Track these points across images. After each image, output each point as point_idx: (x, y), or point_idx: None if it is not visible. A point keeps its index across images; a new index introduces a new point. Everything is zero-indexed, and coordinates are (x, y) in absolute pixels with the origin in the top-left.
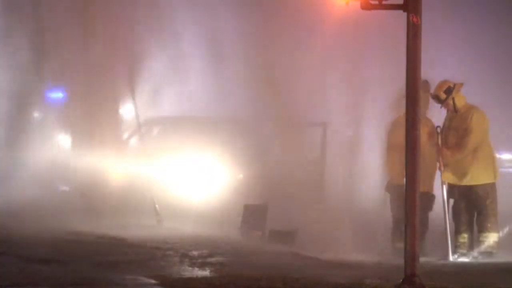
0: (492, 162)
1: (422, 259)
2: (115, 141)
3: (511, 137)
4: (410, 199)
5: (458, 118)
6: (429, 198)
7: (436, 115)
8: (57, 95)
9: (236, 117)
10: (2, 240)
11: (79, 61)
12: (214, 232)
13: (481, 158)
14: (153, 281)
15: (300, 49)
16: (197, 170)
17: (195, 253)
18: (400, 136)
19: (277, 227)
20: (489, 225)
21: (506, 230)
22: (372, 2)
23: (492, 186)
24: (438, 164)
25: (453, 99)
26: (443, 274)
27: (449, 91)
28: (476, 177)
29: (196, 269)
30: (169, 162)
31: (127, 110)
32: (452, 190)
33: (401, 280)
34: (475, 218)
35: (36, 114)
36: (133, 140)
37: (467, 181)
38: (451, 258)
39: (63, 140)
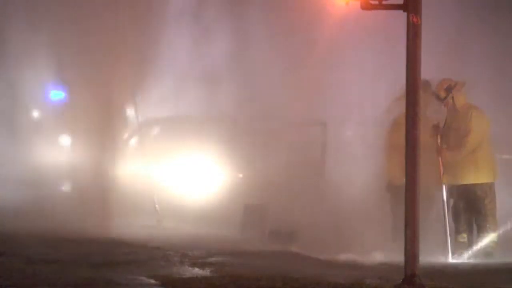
0: (492, 162)
1: (422, 259)
2: (115, 141)
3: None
4: (410, 199)
5: (457, 117)
6: (429, 197)
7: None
8: (59, 94)
9: (236, 116)
10: (2, 240)
11: (81, 61)
12: (214, 232)
13: (480, 157)
14: (153, 281)
15: (300, 48)
16: (197, 170)
17: (195, 253)
18: (400, 136)
19: (277, 227)
20: (488, 225)
21: (505, 230)
22: (372, 2)
23: (491, 186)
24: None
25: (452, 97)
26: (443, 274)
27: (449, 89)
28: (475, 176)
29: (196, 269)
30: (169, 162)
31: (127, 110)
32: (452, 190)
33: (401, 280)
34: (474, 218)
35: (37, 114)
36: (133, 140)
37: (466, 180)
38: (451, 258)
39: (63, 140)
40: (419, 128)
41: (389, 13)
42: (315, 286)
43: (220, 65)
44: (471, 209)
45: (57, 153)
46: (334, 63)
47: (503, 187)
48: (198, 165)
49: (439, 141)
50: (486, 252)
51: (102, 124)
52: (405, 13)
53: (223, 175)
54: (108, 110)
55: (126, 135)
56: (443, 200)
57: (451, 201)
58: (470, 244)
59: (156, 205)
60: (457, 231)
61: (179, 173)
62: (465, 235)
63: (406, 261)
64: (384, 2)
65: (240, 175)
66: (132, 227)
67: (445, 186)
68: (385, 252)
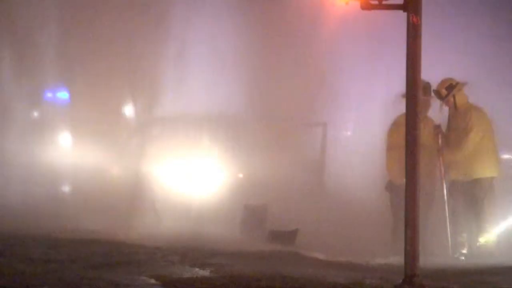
0: (492, 158)
1: (422, 259)
2: (115, 141)
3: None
4: (410, 199)
5: (458, 117)
6: (429, 197)
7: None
8: (61, 95)
9: (236, 116)
10: (2, 240)
11: (83, 62)
12: (214, 232)
13: (480, 153)
14: (153, 281)
15: (300, 49)
16: (197, 170)
17: (195, 253)
18: (400, 136)
19: (277, 227)
20: (487, 225)
21: (505, 230)
22: (372, 2)
23: (490, 185)
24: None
25: (453, 96)
26: (443, 274)
27: (450, 88)
28: (475, 171)
29: (196, 269)
30: (169, 162)
31: (128, 109)
32: (452, 189)
33: (401, 280)
34: (474, 218)
35: (37, 114)
36: (133, 140)
37: (467, 176)
38: (451, 258)
39: (64, 140)
40: (419, 128)
41: (389, 13)
42: (315, 286)
43: (220, 66)
44: (471, 209)
45: (58, 153)
46: (334, 63)
47: (503, 187)
48: (198, 165)
49: (440, 141)
50: (486, 251)
51: (102, 124)
52: (405, 13)
53: (223, 175)
54: (109, 110)
55: (126, 135)
56: (443, 200)
57: (451, 201)
58: (470, 244)
59: (156, 205)
60: (457, 231)
61: (179, 173)
62: (464, 235)
63: (406, 261)
64: (384, 2)
65: (240, 175)
66: (132, 227)
67: (446, 185)
68: (385, 252)
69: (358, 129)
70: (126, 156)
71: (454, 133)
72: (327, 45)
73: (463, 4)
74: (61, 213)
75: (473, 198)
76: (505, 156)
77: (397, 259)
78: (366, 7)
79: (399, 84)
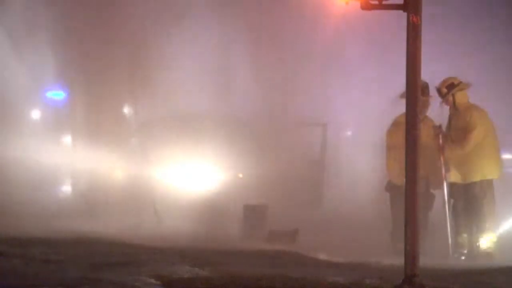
0: (494, 159)
1: (422, 259)
2: (115, 141)
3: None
4: (410, 199)
5: (458, 116)
6: (429, 197)
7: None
8: (59, 94)
9: (236, 116)
10: (2, 240)
11: (81, 61)
12: (214, 232)
13: (482, 155)
14: (153, 281)
15: (301, 49)
16: (197, 170)
17: (195, 253)
18: (400, 136)
19: (277, 227)
20: (487, 225)
21: (505, 230)
22: (372, 2)
23: (490, 185)
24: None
25: (453, 95)
26: (443, 274)
27: (451, 87)
28: (475, 172)
29: (196, 269)
30: (169, 162)
31: (127, 109)
32: (452, 189)
33: (401, 280)
34: (474, 219)
35: (37, 114)
36: (133, 140)
37: (468, 178)
38: (451, 258)
39: (64, 140)
40: (419, 128)
41: (389, 13)
42: (315, 286)
43: (221, 66)
44: (471, 210)
45: (58, 153)
46: (334, 63)
47: (502, 187)
48: (198, 165)
49: (440, 141)
50: (486, 252)
51: (102, 124)
52: (405, 13)
53: (223, 175)
54: (109, 110)
55: (126, 135)
56: (444, 200)
57: (451, 201)
58: (470, 244)
59: (156, 205)
60: (457, 232)
61: (179, 173)
62: (464, 235)
63: (406, 261)
64: (384, 2)
65: (240, 175)
66: (132, 227)
67: (447, 185)
68: (385, 252)
69: (358, 129)
70: (126, 156)
71: (454, 132)
72: (327, 45)
73: (463, 4)
74: (60, 213)
75: (473, 198)
76: (505, 156)
77: (397, 259)
78: (366, 7)
79: (399, 84)
